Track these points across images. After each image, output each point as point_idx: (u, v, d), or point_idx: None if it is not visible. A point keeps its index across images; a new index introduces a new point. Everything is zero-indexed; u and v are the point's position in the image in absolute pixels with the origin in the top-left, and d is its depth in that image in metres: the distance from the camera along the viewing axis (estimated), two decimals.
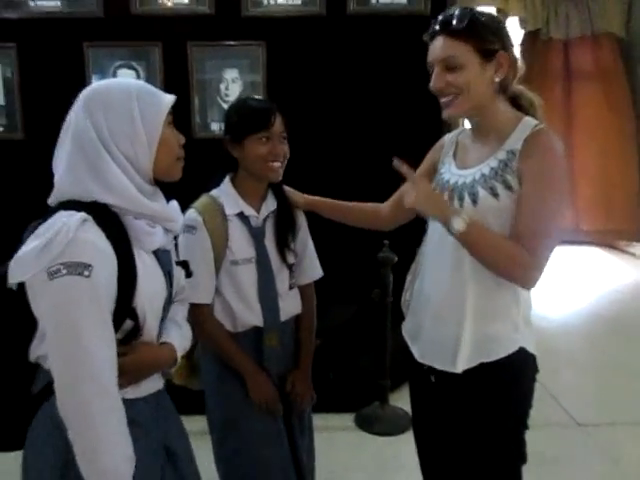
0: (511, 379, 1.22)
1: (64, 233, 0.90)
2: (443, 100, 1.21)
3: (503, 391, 1.22)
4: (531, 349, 1.24)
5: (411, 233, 1.46)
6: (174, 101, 1.07)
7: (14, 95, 2.49)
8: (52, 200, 1.01)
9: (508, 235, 1.17)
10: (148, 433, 1.07)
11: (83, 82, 2.37)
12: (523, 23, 5.03)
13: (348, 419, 2.46)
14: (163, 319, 1.12)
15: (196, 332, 1.38)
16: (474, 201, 1.19)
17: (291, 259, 1.50)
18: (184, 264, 1.20)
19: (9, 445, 1.08)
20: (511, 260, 1.14)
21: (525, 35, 5.15)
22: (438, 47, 1.19)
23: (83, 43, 2.43)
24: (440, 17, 1.20)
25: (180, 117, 2.47)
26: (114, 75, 2.49)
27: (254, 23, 2.45)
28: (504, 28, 1.21)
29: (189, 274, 1.21)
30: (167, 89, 2.46)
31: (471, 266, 1.20)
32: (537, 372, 1.27)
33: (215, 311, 1.45)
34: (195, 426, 1.43)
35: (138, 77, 2.49)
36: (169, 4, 2.45)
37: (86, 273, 0.90)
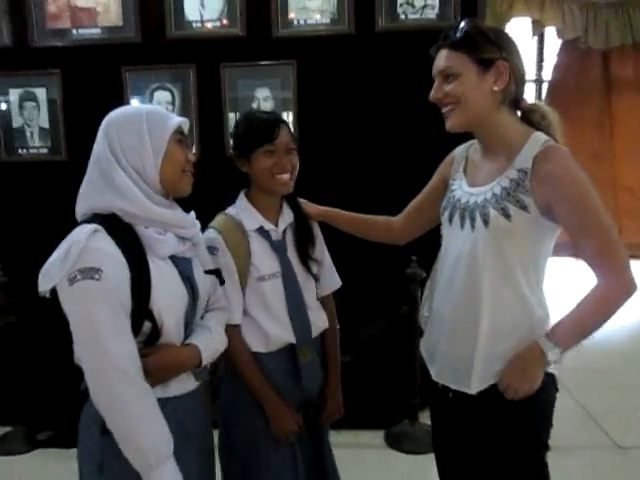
0: (528, 399, 1.18)
1: (77, 243, 1.03)
2: (443, 111, 1.22)
3: (519, 412, 1.19)
4: (549, 368, 1.20)
5: (439, 249, 1.45)
6: (183, 122, 1.18)
7: (58, 118, 2.61)
8: (78, 217, 1.13)
9: (523, 257, 1.16)
10: (181, 432, 1.14)
11: (122, 105, 2.43)
12: (560, 33, 4.92)
13: (378, 437, 2.45)
14: (188, 323, 1.18)
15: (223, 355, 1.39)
16: (485, 222, 1.18)
17: (315, 269, 1.49)
18: (215, 272, 1.28)
19: (67, 442, 1.17)
20: (605, 302, 1.13)
21: (562, 45, 5.03)
22: (439, 59, 1.21)
23: (121, 68, 2.53)
24: (445, 32, 1.22)
25: (213, 135, 2.58)
26: (151, 96, 2.59)
27: (284, 43, 2.50)
28: (505, 37, 1.20)
29: (222, 281, 1.30)
30: (201, 109, 2.60)
31: (485, 285, 1.19)
32: (556, 391, 1.24)
33: (244, 333, 1.41)
34: None
35: (173, 98, 2.58)
36: (204, 28, 2.53)
37: (96, 276, 1.02)
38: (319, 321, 1.50)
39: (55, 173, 2.62)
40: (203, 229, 1.44)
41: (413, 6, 2.51)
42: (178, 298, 1.15)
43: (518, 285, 1.19)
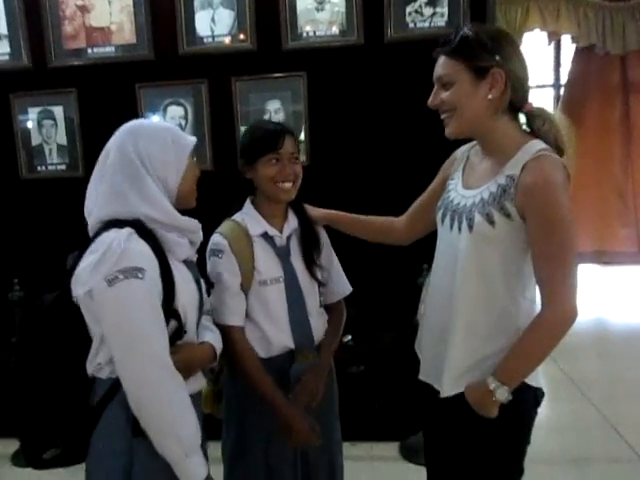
0: (502, 413, 1.15)
1: (116, 245, 1.06)
2: (442, 118, 1.23)
3: (492, 425, 1.16)
4: (529, 380, 1.17)
5: None
6: (195, 141, 1.25)
7: (75, 135, 2.68)
8: (92, 224, 1.15)
9: (506, 265, 1.15)
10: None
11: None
12: (575, 40, 4.87)
13: (393, 449, 2.41)
14: (198, 323, 1.25)
15: (229, 356, 1.43)
16: (470, 226, 1.18)
17: (320, 275, 1.50)
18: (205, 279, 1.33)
19: (71, 459, 1.19)
20: (552, 331, 1.12)
21: (578, 51, 4.98)
22: (437, 66, 1.21)
23: (136, 84, 2.58)
24: (446, 37, 1.21)
25: (226, 148, 2.61)
26: (164, 112, 2.63)
27: (294, 56, 2.53)
28: (504, 42, 1.18)
29: (210, 286, 1.37)
30: (214, 123, 2.63)
31: (462, 288, 1.18)
32: (537, 406, 1.21)
33: (247, 337, 1.44)
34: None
35: (186, 113, 2.62)
36: (215, 43, 2.57)
37: (140, 275, 1.06)
38: (321, 327, 1.51)
39: (73, 189, 2.64)
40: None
41: (422, 14, 2.51)
42: (194, 298, 1.21)
43: (497, 293, 1.18)
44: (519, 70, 1.18)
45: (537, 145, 1.15)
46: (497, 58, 1.15)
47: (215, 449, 1.31)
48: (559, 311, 1.11)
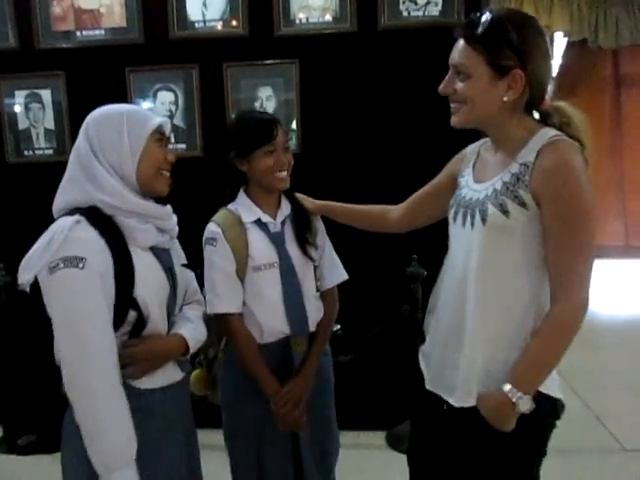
0: (518, 425, 1.07)
1: (59, 232, 1.04)
2: (451, 106, 1.16)
3: (507, 437, 1.08)
4: (547, 390, 1.10)
5: (440, 247, 1.44)
6: (164, 123, 1.20)
7: (63, 119, 2.64)
8: (54, 213, 1.14)
9: (524, 259, 1.09)
10: (167, 422, 1.17)
11: None
12: (567, 34, 4.86)
13: (379, 437, 2.43)
14: (170, 315, 1.20)
15: (225, 342, 1.46)
16: (483, 219, 1.11)
17: (315, 255, 1.51)
18: (188, 266, 1.30)
19: (49, 447, 1.18)
20: (569, 325, 1.06)
21: (570, 45, 4.97)
22: (455, 50, 1.12)
23: (125, 68, 2.55)
24: (469, 17, 1.12)
25: (217, 134, 2.58)
26: (154, 97, 2.60)
27: (287, 42, 2.50)
28: (531, 38, 1.08)
29: (198, 276, 1.33)
30: (204, 108, 2.60)
31: (474, 289, 1.12)
32: (557, 419, 1.14)
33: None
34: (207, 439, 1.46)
35: (176, 98, 2.59)
36: (207, 28, 2.53)
37: (80, 265, 1.02)
38: (317, 312, 1.52)
39: (60, 174, 2.60)
40: (205, 225, 1.47)
41: (416, 3, 2.49)
42: (160, 288, 1.17)
43: (518, 293, 1.11)
44: (541, 69, 1.10)
45: (550, 132, 1.09)
46: (520, 57, 1.07)
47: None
48: (573, 304, 1.05)
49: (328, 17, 2.49)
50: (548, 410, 1.12)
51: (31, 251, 1.07)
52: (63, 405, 1.09)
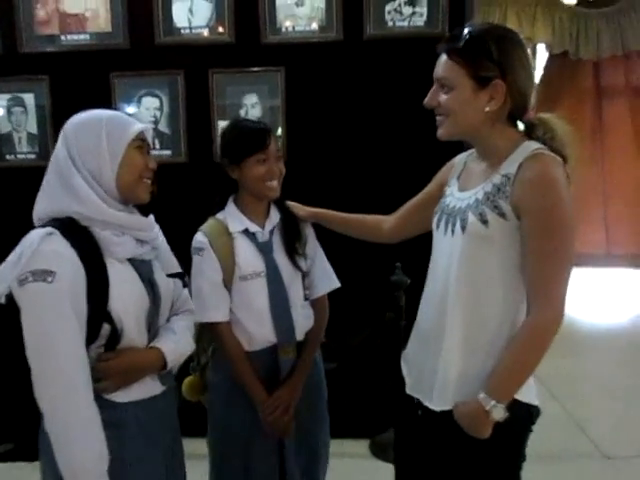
0: (494, 431, 1.09)
1: (30, 246, 1.02)
2: (437, 119, 1.19)
3: (484, 443, 1.10)
4: (524, 398, 1.12)
5: (423, 255, 1.45)
6: (145, 129, 1.17)
7: (46, 124, 2.61)
8: (35, 221, 1.13)
9: (503, 268, 1.11)
10: (144, 437, 1.13)
11: None
12: (549, 47, 4.95)
13: (363, 446, 2.43)
14: (151, 326, 1.17)
15: (213, 349, 1.50)
16: (463, 227, 1.14)
17: (304, 266, 1.51)
18: (178, 275, 1.27)
19: (27, 455, 1.16)
20: (543, 335, 1.08)
21: (551, 57, 5.06)
22: (439, 65, 1.16)
23: (110, 73, 2.53)
24: (451, 33, 1.16)
25: (201, 141, 2.58)
26: (139, 102, 2.59)
27: (273, 50, 2.51)
28: (510, 50, 1.12)
29: (185, 284, 1.30)
30: (189, 115, 2.59)
31: (455, 295, 1.14)
32: (532, 424, 1.16)
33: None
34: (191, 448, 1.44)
35: (161, 104, 2.58)
36: (193, 34, 2.53)
37: (49, 279, 1.00)
38: (304, 321, 1.52)
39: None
40: (192, 233, 1.46)
41: (401, 14, 2.52)
42: (138, 300, 1.14)
43: (495, 301, 1.13)
44: (522, 80, 1.13)
45: (533, 145, 1.12)
46: (500, 68, 1.10)
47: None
48: (549, 315, 1.07)
49: (314, 26, 2.51)
50: (523, 417, 1.15)
51: (4, 263, 1.05)
52: (40, 414, 1.06)
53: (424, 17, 2.51)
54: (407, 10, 2.52)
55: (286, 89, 2.53)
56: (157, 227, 1.25)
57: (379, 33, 2.51)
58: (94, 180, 1.10)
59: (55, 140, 2.51)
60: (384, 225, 1.54)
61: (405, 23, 2.52)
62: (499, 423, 1.08)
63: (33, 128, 2.63)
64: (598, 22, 4.96)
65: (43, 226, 1.07)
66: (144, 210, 1.23)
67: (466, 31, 1.12)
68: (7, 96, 2.61)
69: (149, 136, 1.20)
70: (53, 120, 2.59)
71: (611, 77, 5.10)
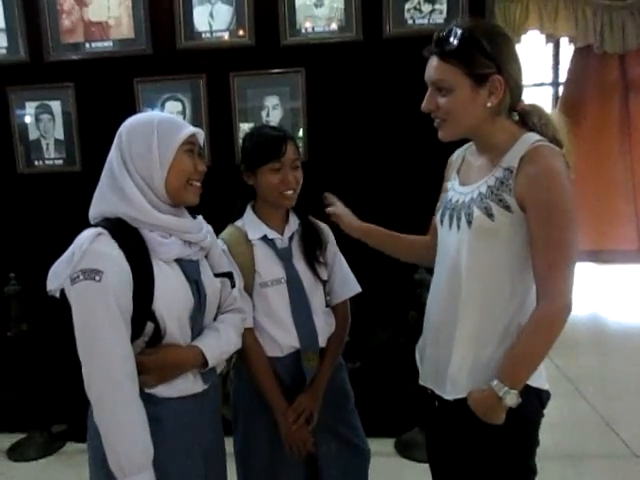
0: (508, 418, 1.12)
1: (80, 245, 1.08)
2: (435, 122, 1.19)
3: (498, 430, 1.13)
4: (534, 383, 1.15)
5: None
6: (197, 133, 1.19)
7: (72, 130, 2.67)
8: (91, 221, 1.18)
9: (510, 260, 1.13)
10: (183, 434, 1.17)
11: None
12: (573, 40, 4.86)
13: (388, 444, 2.42)
14: (195, 325, 1.20)
15: (234, 358, 1.47)
16: (469, 222, 1.16)
17: (324, 274, 1.50)
18: (227, 275, 1.30)
19: (81, 436, 1.22)
20: (551, 324, 1.09)
21: (576, 50, 4.97)
22: (431, 68, 1.16)
23: (133, 79, 2.58)
24: (436, 34, 1.15)
25: (224, 144, 2.60)
26: (162, 107, 2.63)
27: (293, 51, 2.52)
28: (502, 44, 1.13)
29: (233, 284, 1.32)
30: (211, 118, 2.62)
31: (465, 288, 1.16)
32: (542, 408, 1.19)
33: (259, 338, 1.45)
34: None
35: (184, 108, 2.62)
36: (214, 38, 2.56)
37: (97, 278, 1.05)
38: (327, 327, 1.51)
39: (70, 184, 2.67)
40: (217, 234, 1.48)
41: (421, 11, 2.51)
42: (182, 300, 1.17)
43: (503, 293, 1.15)
44: (516, 72, 1.15)
45: (533, 137, 1.14)
46: (496, 64, 1.11)
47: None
48: (557, 304, 1.09)
49: (334, 26, 2.52)
50: (535, 402, 1.17)
51: (58, 261, 1.12)
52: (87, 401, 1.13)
53: (444, 14, 2.49)
54: (426, 7, 2.50)
55: (307, 90, 2.54)
56: (207, 227, 1.27)
57: (399, 32, 2.50)
58: (146, 185, 1.14)
59: (81, 146, 2.64)
60: (428, 244, 1.45)
61: (425, 21, 2.50)
62: (512, 409, 1.11)
63: (60, 134, 2.69)
64: (623, 15, 4.86)
65: (96, 225, 1.12)
66: (192, 213, 1.26)
67: (454, 31, 1.11)
68: (35, 104, 2.68)
69: (200, 139, 1.21)
70: (79, 126, 2.66)
71: (638, 70, 4.98)
